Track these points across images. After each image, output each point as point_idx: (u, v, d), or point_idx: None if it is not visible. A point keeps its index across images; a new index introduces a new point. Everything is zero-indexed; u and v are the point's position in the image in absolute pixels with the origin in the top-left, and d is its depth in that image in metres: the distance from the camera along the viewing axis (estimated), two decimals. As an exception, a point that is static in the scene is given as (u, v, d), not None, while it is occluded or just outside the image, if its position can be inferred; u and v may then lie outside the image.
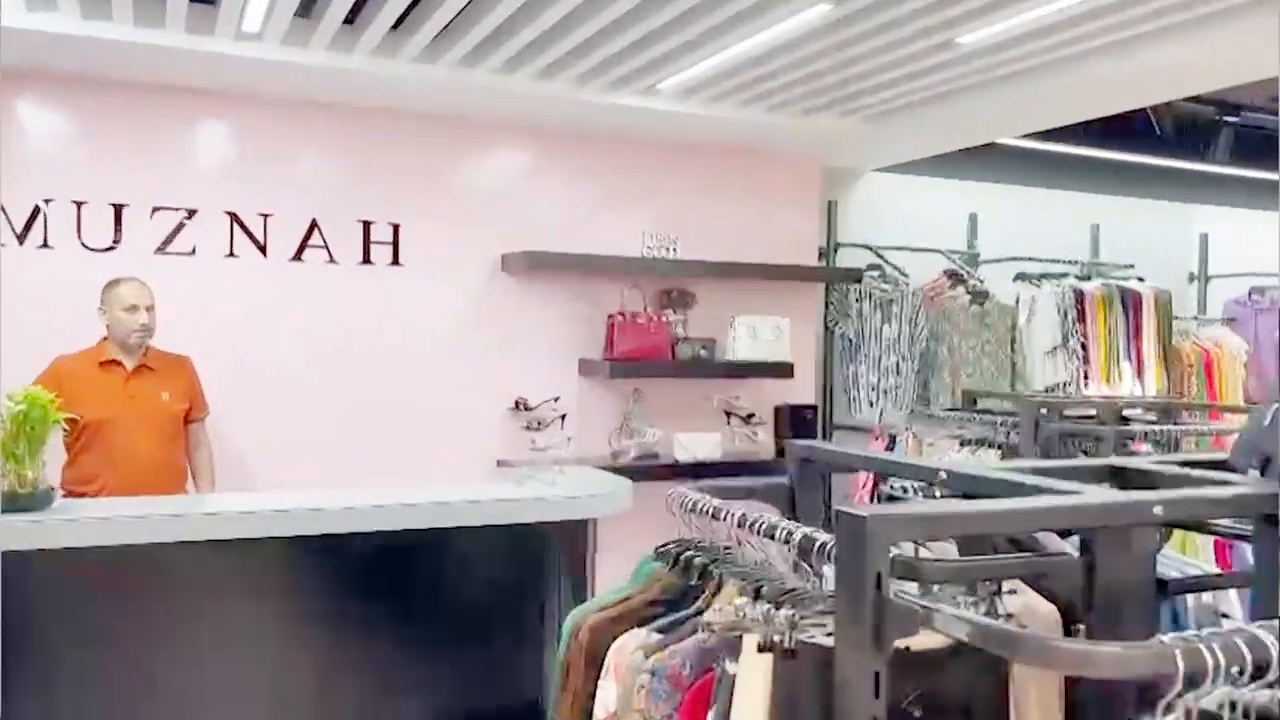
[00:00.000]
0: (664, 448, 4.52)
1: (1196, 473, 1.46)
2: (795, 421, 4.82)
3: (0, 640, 2.35)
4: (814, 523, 1.64)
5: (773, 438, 4.80)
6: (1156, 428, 3.21)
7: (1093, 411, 3.58)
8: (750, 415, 4.72)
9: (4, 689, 2.40)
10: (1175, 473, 1.44)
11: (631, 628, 1.40)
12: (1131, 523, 1.13)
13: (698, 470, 4.45)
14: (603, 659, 1.38)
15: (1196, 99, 5.32)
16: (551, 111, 4.24)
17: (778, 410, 4.85)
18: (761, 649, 1.10)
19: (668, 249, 4.56)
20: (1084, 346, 5.18)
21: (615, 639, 1.38)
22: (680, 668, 1.23)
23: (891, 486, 1.77)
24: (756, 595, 1.20)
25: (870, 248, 5.18)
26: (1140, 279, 5.50)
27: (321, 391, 4.15)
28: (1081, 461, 1.43)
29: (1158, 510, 1.14)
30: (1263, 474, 1.49)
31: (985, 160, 5.48)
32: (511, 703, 3.01)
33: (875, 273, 5.10)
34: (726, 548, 1.56)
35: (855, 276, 4.92)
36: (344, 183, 4.22)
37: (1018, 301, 5.24)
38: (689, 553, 1.51)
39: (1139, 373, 5.30)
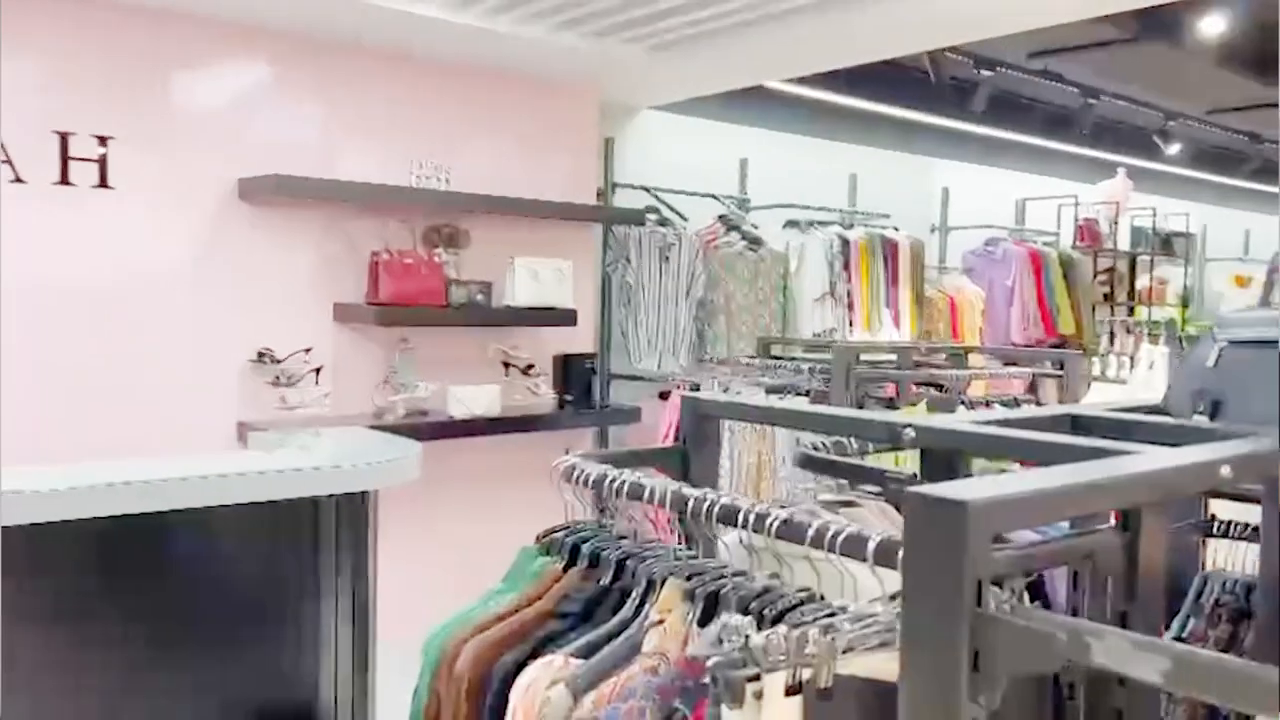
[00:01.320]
0: (436, 403, 4.08)
1: (1153, 419, 1.31)
2: (575, 372, 4.52)
3: None
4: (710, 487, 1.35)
5: (552, 389, 4.48)
6: (951, 372, 3.21)
7: (888, 356, 3.54)
8: (530, 366, 4.36)
9: None
10: (1139, 421, 1.27)
11: (530, 653, 1.03)
12: (1206, 489, 0.92)
13: (475, 427, 4.06)
14: (496, 703, 1.00)
15: (955, 50, 5.51)
16: (301, 10, 3.61)
17: (557, 360, 4.53)
18: (791, 691, 0.78)
19: (439, 179, 4.08)
20: (849, 294, 5.25)
21: (512, 670, 1.02)
22: (638, 714, 0.89)
23: (811, 446, 1.50)
24: (746, 610, 0.88)
25: (648, 189, 4.95)
26: (896, 229, 5.65)
27: (11, 345, 3.34)
28: (1040, 411, 1.23)
29: (1225, 471, 0.93)
30: (1212, 418, 1.36)
31: (755, 105, 5.40)
32: (281, 705, 2.53)
33: (653, 216, 4.88)
34: (621, 535, 1.23)
35: (637, 219, 4.66)
36: (34, 83, 3.38)
37: (787, 248, 5.21)
38: (592, 541, 1.16)
39: (896, 320, 5.46)
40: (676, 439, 3.31)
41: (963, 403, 2.82)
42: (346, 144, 4.00)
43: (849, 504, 1.44)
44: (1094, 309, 6.78)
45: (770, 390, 3.21)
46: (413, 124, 4.16)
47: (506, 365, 4.32)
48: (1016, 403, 2.95)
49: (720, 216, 5.15)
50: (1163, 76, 5.57)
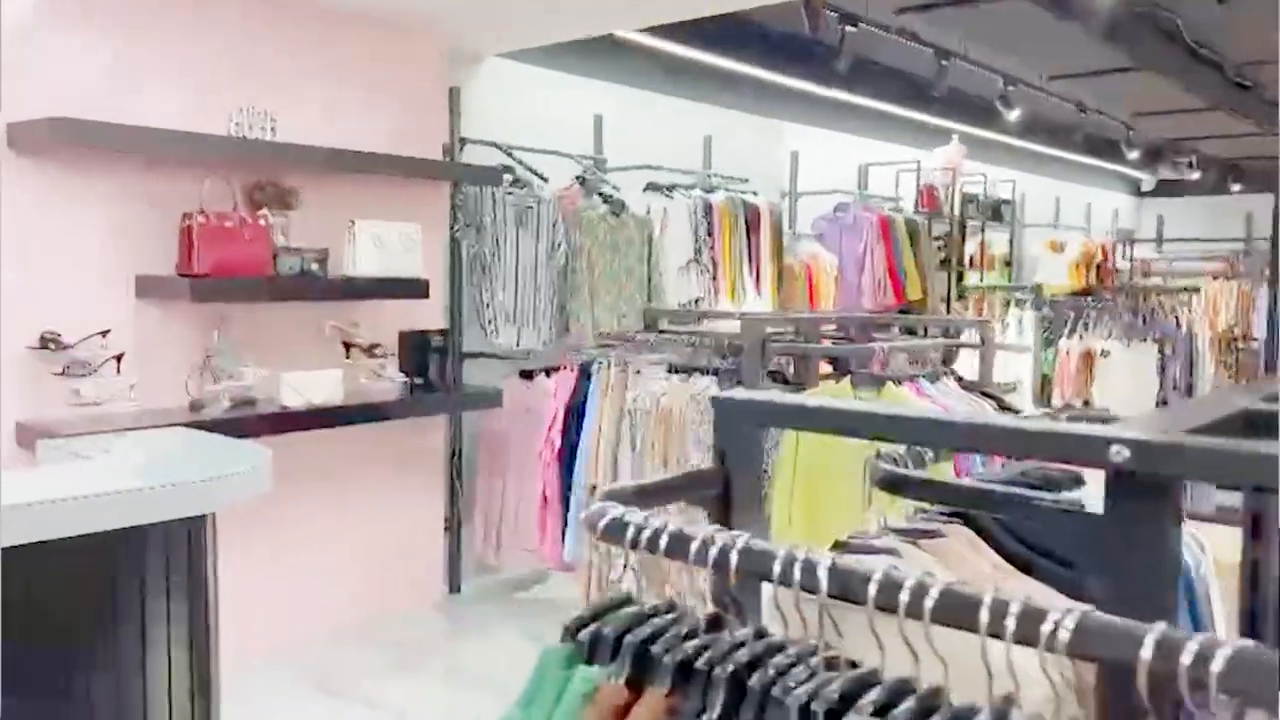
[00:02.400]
0: (266, 391, 3.49)
1: None
2: (425, 351, 4.02)
3: None
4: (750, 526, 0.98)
5: (400, 372, 3.97)
6: (877, 345, 2.98)
7: (787, 329, 3.27)
8: (374, 346, 3.83)
9: None
10: None
11: None
12: None
13: (314, 419, 3.51)
14: None
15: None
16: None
17: (404, 337, 4.01)
18: None
19: (264, 129, 3.46)
20: (714, 261, 4.98)
21: None
22: None
23: (887, 457, 1.16)
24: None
25: (500, 146, 4.47)
26: (755, 194, 5.42)
27: None
28: (1210, 411, 0.94)
29: None
30: None
31: (609, 58, 5.00)
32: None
33: (508, 176, 4.41)
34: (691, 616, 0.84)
35: (493, 178, 4.18)
36: None
37: (649, 212, 4.87)
38: (662, 638, 0.77)
39: (759, 288, 5.24)
40: (565, 427, 2.90)
41: (891, 379, 2.58)
42: (148, 84, 3.32)
43: (928, 534, 1.11)
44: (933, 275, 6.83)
45: (676, 370, 2.87)
46: (230, 64, 3.52)
47: (348, 346, 3.78)
48: (936, 376, 2.74)
49: (578, 178, 4.75)
50: (1016, 37, 5.58)
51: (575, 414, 3.00)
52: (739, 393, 1.07)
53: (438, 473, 4.36)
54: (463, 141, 4.39)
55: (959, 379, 2.75)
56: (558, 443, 2.91)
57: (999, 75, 6.10)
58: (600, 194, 4.68)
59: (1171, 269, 10.07)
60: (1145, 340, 5.90)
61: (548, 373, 4.38)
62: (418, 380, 4.02)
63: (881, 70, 6.26)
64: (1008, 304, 6.37)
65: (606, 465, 2.82)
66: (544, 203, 4.40)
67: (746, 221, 5.12)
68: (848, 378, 2.62)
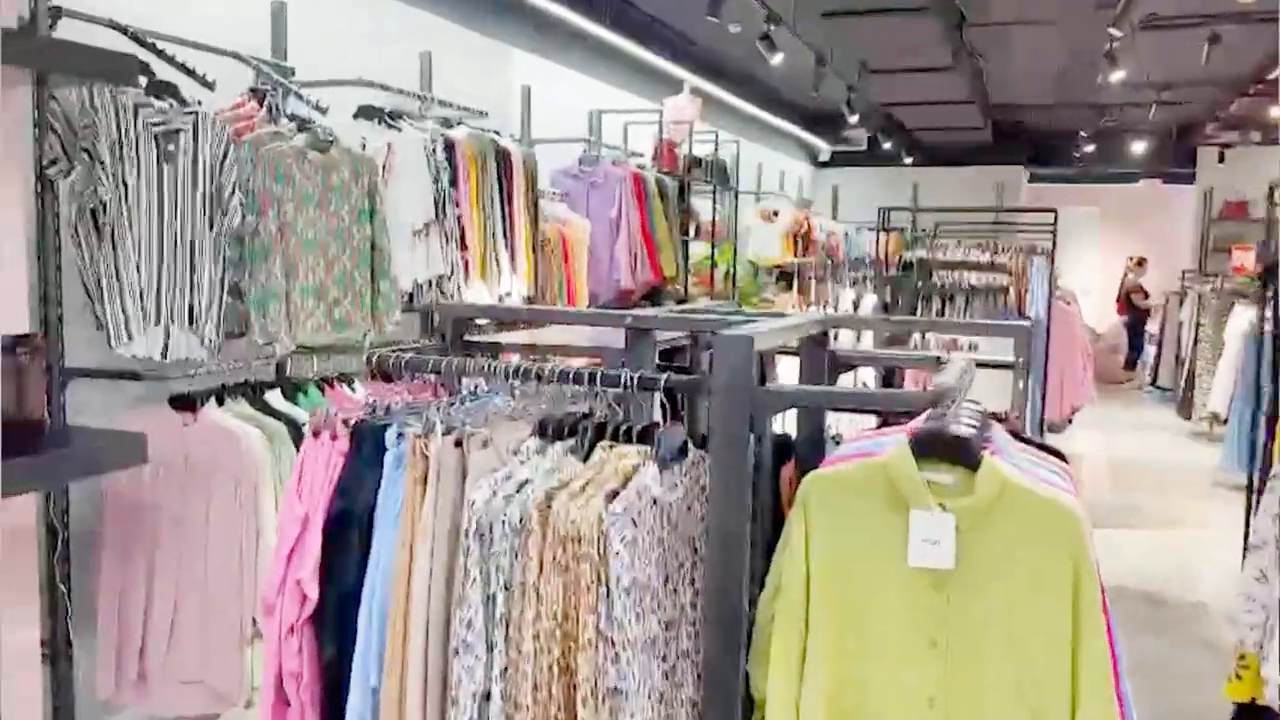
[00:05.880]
0: None
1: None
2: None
3: None
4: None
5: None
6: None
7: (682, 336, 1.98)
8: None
9: None
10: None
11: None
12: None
13: None
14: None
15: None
16: None
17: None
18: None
19: None
20: (460, 224, 3.53)
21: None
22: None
23: None
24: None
25: (124, 29, 2.69)
26: (497, 132, 4.02)
27: None
28: None
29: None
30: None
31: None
32: None
33: (143, 79, 2.65)
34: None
35: (120, 71, 2.36)
36: None
37: (365, 147, 3.32)
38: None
39: (513, 262, 3.87)
40: (326, 560, 1.46)
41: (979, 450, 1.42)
42: None
43: None
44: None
45: (551, 432, 1.46)
46: None
47: None
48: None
49: (253, 89, 3.08)
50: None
51: (345, 532, 1.46)
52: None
53: (26, 570, 2.54)
54: (56, 11, 2.57)
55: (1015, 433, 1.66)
56: (312, 592, 1.40)
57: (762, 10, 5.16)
58: (293, 116, 3.06)
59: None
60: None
61: (219, 400, 2.76)
62: (-22, 427, 2.23)
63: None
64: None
65: (432, 651, 1.36)
66: (205, 122, 2.71)
67: (499, 172, 3.71)
68: (903, 442, 1.42)
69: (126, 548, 2.68)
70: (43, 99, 2.50)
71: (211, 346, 2.74)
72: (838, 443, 1.74)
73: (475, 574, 1.35)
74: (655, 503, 1.39)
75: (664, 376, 1.49)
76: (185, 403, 2.67)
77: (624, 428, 1.47)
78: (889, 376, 2.37)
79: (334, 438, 1.53)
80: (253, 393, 2.87)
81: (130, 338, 2.60)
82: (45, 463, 2.27)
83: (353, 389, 3.16)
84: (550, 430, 1.48)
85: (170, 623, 2.70)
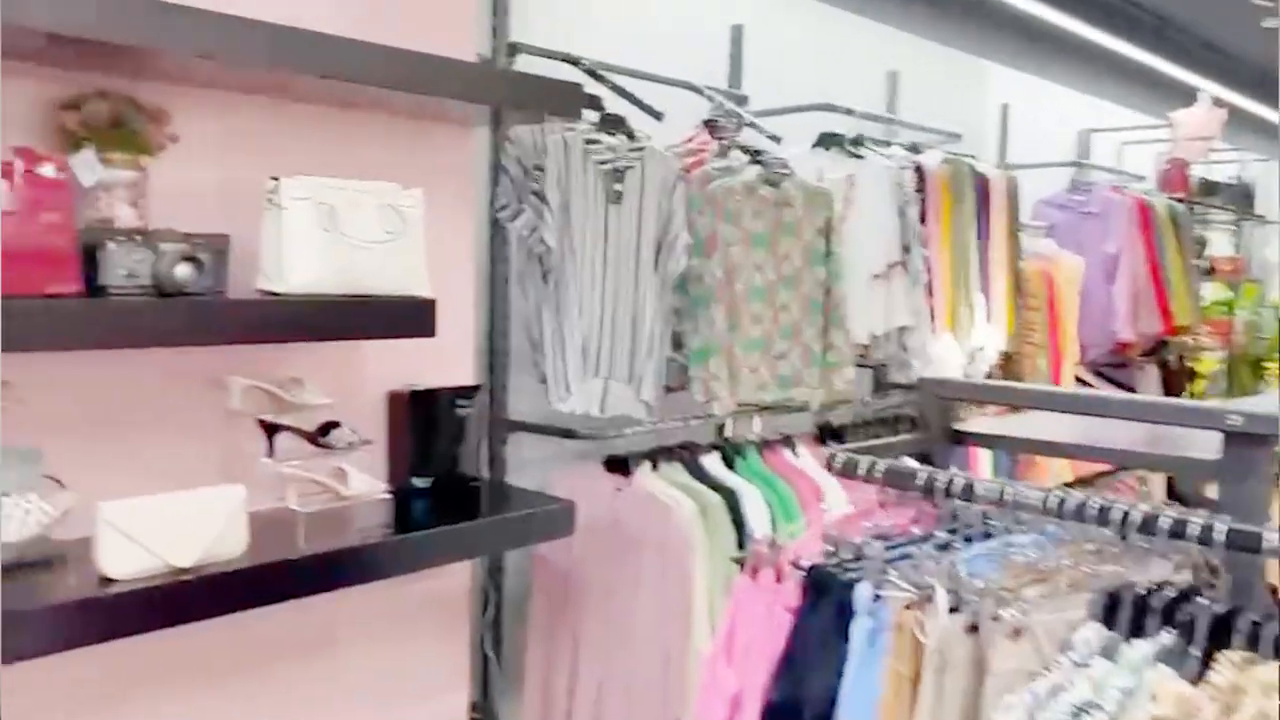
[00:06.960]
0: (75, 532, 1.62)
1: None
2: (431, 429, 2.14)
3: None
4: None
5: (386, 474, 2.08)
6: None
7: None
8: (329, 427, 1.92)
9: None
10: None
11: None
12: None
13: (176, 598, 1.64)
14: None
15: None
16: None
17: (396, 404, 2.13)
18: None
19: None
20: (926, 265, 3.00)
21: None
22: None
23: None
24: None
25: (579, 62, 2.54)
26: (974, 157, 3.43)
27: None
28: None
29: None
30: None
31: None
32: None
33: (593, 116, 2.47)
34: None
35: (569, 105, 2.19)
36: None
37: (820, 180, 2.90)
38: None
39: (988, 310, 3.25)
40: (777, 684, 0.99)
41: None
42: None
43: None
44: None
45: (1111, 614, 0.92)
46: None
47: (271, 429, 1.88)
48: None
49: (706, 121, 2.81)
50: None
51: (795, 675, 1.06)
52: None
53: (457, 639, 2.43)
54: (512, 49, 2.48)
55: None
56: (774, 697, 1.02)
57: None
58: (745, 148, 2.74)
59: None
60: None
61: (654, 463, 2.49)
62: (418, 483, 2.13)
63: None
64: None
65: None
66: (653, 159, 2.47)
67: (978, 202, 3.13)
68: None
69: (552, 615, 2.51)
70: (496, 140, 2.40)
71: (650, 402, 2.48)
72: None
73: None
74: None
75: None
76: (619, 465, 2.43)
77: (1253, 620, 0.86)
78: None
79: (778, 578, 1.09)
80: (689, 455, 2.58)
81: (569, 392, 2.42)
82: (477, 531, 2.12)
83: (795, 453, 2.77)
84: (1124, 611, 0.90)
85: (595, 689, 2.47)
